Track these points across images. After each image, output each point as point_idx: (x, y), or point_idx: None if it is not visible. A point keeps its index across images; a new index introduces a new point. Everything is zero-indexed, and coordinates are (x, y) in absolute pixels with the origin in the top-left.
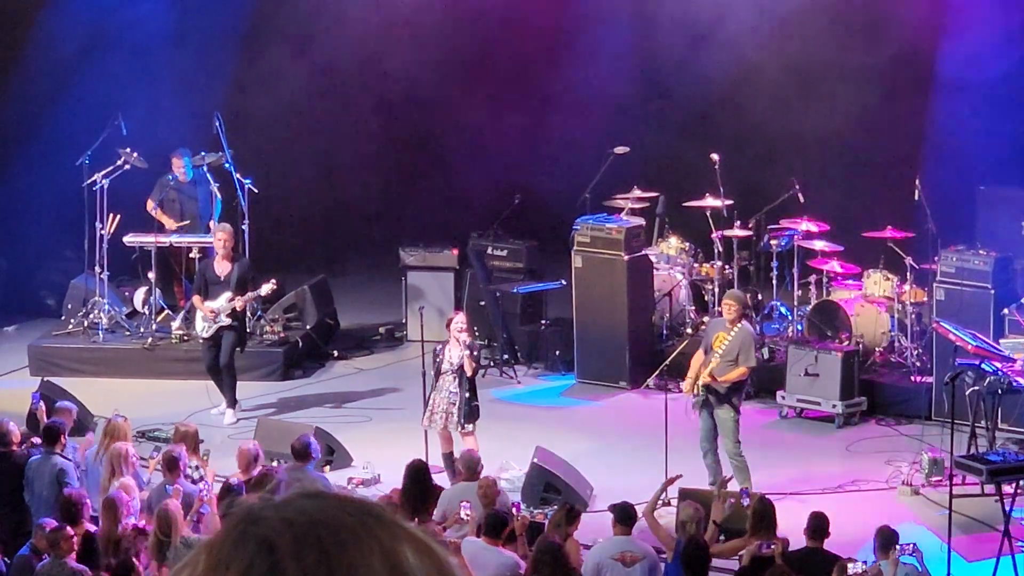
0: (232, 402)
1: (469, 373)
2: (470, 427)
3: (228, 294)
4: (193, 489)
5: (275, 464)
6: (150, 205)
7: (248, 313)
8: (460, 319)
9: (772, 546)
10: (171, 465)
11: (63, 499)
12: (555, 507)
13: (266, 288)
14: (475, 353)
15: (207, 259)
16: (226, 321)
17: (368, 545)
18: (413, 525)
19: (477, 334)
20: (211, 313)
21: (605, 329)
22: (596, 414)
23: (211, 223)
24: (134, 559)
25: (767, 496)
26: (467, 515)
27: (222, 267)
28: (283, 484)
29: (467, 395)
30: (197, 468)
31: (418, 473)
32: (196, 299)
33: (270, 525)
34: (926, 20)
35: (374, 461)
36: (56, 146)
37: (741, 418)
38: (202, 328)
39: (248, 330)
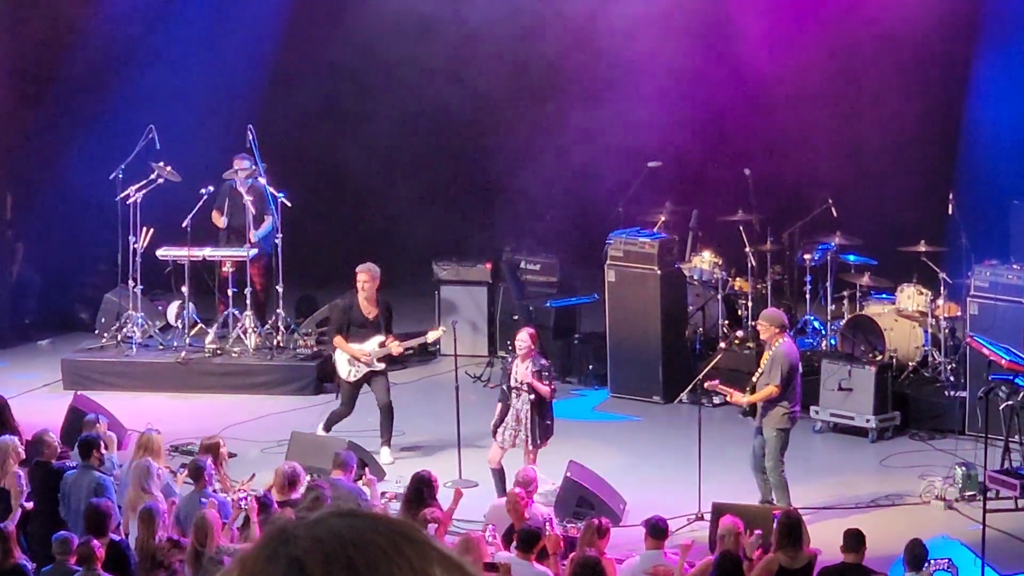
0: (389, 440)
1: (540, 393)
2: (538, 446)
3: (379, 338)
4: (224, 500)
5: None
6: (215, 215)
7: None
8: (523, 336)
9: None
10: (196, 474)
11: (89, 509)
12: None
13: (432, 335)
14: (544, 373)
15: (351, 297)
16: (380, 367)
17: (398, 565)
18: (444, 545)
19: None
20: (366, 357)
21: (638, 343)
22: (629, 429)
23: (250, 234)
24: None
25: (795, 510)
26: (492, 539)
27: (368, 309)
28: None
29: (537, 414)
30: (218, 481)
31: (419, 483)
32: (338, 339)
33: (301, 544)
34: (960, 32)
35: (407, 476)
36: (89, 160)
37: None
38: (348, 372)
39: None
